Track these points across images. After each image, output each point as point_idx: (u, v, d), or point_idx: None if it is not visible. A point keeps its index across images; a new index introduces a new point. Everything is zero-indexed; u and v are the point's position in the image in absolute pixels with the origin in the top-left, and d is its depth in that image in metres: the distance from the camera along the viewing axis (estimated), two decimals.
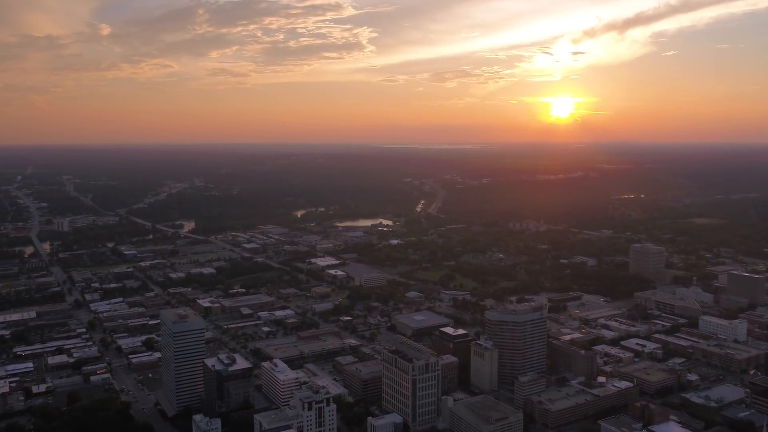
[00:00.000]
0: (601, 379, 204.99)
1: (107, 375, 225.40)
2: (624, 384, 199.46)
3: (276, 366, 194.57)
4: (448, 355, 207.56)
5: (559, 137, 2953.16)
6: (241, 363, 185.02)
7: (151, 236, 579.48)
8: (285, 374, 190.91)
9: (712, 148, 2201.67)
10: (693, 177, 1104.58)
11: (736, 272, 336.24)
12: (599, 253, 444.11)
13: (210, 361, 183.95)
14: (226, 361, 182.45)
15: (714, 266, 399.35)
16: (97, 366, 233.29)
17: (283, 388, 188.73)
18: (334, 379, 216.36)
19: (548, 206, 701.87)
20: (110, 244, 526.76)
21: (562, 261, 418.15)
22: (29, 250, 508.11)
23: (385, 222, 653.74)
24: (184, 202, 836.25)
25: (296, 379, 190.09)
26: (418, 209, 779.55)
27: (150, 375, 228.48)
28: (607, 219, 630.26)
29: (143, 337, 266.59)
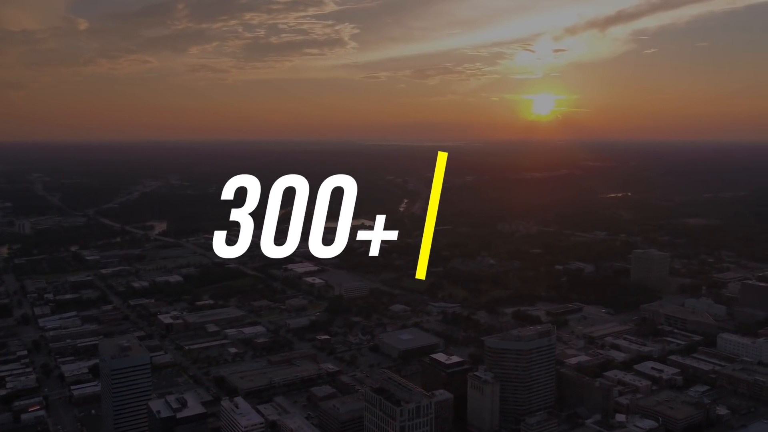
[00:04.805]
0: (620, 416, 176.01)
1: (41, 412, 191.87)
2: (648, 423, 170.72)
3: (237, 407, 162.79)
4: (441, 391, 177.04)
5: (541, 134, 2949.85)
6: (194, 406, 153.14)
7: (118, 239, 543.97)
8: (248, 417, 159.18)
9: (692, 145, 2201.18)
10: (678, 175, 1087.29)
11: (750, 282, 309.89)
12: (596, 257, 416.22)
13: (156, 405, 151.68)
14: (174, 405, 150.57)
15: (719, 273, 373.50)
16: (32, 401, 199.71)
17: None
18: (308, 416, 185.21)
19: (536, 206, 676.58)
20: (74, 248, 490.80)
21: (557, 267, 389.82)
22: None
23: (367, 222, 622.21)
24: (157, 201, 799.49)
25: (261, 423, 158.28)
26: (402, 209, 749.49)
27: (93, 411, 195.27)
28: (598, 219, 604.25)
29: (91, 362, 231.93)
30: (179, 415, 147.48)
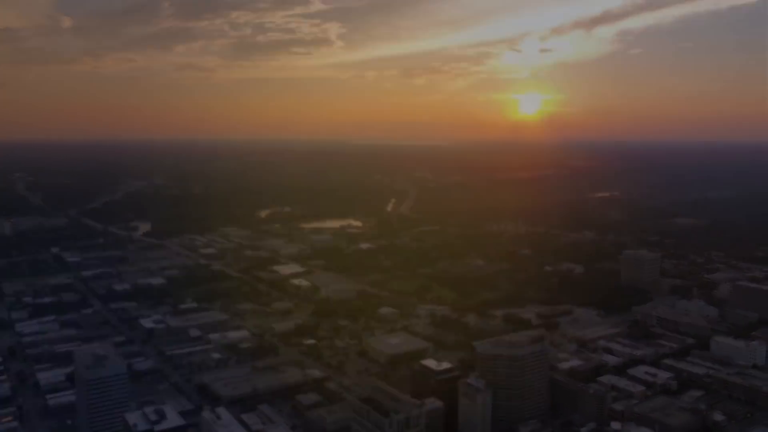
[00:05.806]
0: (615, 424, 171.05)
1: (14, 423, 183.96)
2: (643, 431, 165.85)
3: (219, 418, 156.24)
4: (432, 399, 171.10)
5: (528, 134, 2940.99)
6: (173, 418, 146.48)
7: (101, 240, 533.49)
8: (229, 429, 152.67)
9: (678, 145, 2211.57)
10: (664, 175, 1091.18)
11: (742, 283, 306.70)
12: (586, 258, 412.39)
13: (133, 417, 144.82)
14: (152, 417, 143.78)
15: (709, 273, 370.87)
16: (4, 411, 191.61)
17: None
18: (294, 425, 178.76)
19: (524, 206, 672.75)
20: (55, 250, 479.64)
21: (547, 268, 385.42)
22: None
23: (354, 223, 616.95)
24: (141, 201, 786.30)
25: None
26: (390, 209, 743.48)
27: (69, 422, 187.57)
28: (587, 219, 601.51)
29: (69, 369, 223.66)
30: (157, 428, 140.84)
